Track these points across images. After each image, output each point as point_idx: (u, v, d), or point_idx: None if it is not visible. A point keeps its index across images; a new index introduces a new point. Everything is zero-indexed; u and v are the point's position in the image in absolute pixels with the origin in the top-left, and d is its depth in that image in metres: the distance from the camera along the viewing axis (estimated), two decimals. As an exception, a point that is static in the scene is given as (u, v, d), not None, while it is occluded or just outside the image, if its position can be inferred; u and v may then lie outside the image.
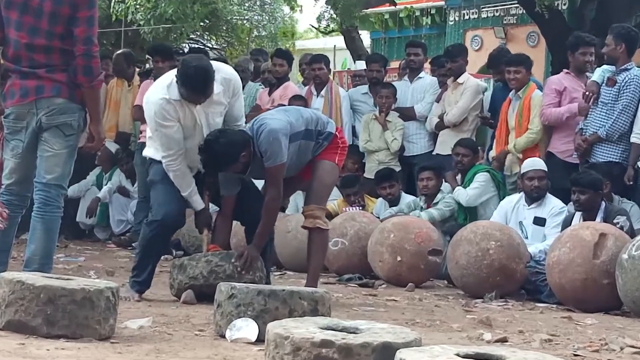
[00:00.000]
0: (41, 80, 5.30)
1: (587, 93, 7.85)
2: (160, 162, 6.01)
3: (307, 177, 6.25)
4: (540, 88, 8.70)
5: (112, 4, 14.59)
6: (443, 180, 8.66)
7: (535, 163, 7.81)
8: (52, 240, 5.39)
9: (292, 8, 17.27)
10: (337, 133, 6.19)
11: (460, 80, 9.28)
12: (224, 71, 6.01)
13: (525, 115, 8.42)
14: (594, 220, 7.05)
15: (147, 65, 11.77)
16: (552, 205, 7.62)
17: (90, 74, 5.29)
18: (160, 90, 5.91)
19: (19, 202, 5.52)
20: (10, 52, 5.37)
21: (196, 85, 5.73)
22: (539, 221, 7.59)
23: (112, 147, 10.81)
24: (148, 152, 6.23)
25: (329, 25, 17.68)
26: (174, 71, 5.90)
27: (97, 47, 5.31)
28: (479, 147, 9.49)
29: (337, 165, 6.21)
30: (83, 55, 5.24)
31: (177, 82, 5.78)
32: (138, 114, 10.17)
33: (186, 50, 12.55)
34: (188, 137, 5.93)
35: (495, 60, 9.49)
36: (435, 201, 8.47)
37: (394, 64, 14.46)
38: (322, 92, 9.91)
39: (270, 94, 10.14)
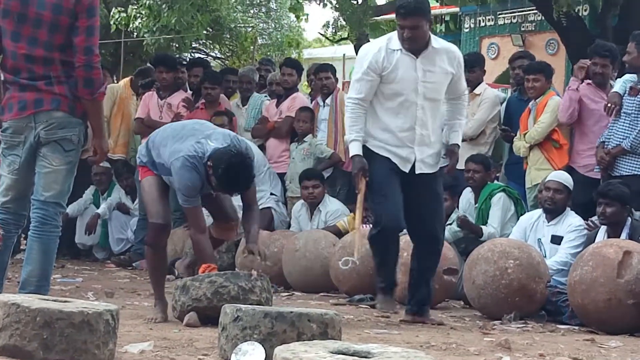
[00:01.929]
0: (40, 93, 5.29)
1: (609, 105, 7.84)
2: (379, 161, 6.38)
3: None
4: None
5: (113, 13, 14.66)
6: (458, 199, 8.64)
7: (559, 176, 7.82)
8: (49, 261, 5.38)
9: (297, 17, 17.30)
10: None
11: (477, 90, 9.28)
12: (445, 45, 6.51)
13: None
14: (619, 236, 7.04)
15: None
16: (570, 223, 7.60)
17: (91, 86, 5.29)
18: (382, 40, 6.46)
19: (15, 221, 5.50)
20: (9, 64, 5.36)
21: None
22: (556, 240, 7.58)
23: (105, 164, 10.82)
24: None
25: (335, 33, 17.71)
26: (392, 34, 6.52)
27: (99, 58, 5.31)
28: (498, 161, 9.49)
29: None
30: (83, 67, 5.25)
31: None
32: (139, 127, 10.22)
33: (188, 60, 12.58)
34: (404, 91, 6.34)
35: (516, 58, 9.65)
36: (449, 222, 8.43)
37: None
38: (328, 101, 9.93)
39: (277, 105, 10.16)
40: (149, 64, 12.15)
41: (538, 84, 8.57)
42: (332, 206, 9.30)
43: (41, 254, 5.31)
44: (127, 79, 11.48)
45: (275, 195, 9.81)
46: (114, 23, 14.81)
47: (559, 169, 8.22)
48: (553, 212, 7.65)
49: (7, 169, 5.44)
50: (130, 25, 14.87)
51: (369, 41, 18.10)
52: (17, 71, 5.35)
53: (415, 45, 6.26)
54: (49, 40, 5.27)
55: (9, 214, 5.47)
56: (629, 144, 7.67)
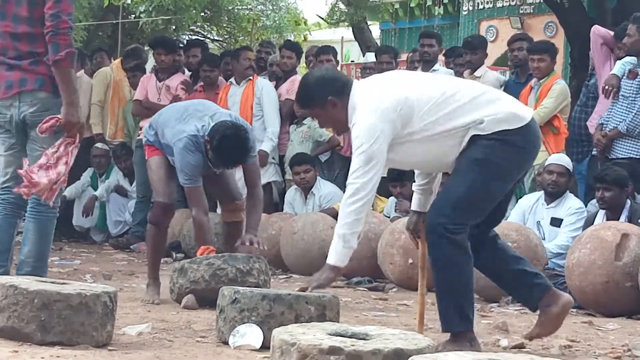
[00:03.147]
0: (25, 73, 5.33)
1: (606, 87, 7.84)
2: None
3: None
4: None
5: None
6: None
7: (560, 158, 7.83)
8: (46, 241, 5.39)
9: (299, -5, 17.23)
10: None
11: (477, 73, 9.27)
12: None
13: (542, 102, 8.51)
14: (618, 219, 7.05)
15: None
16: (569, 205, 7.62)
17: (55, 50, 5.23)
18: None
19: (17, 200, 5.47)
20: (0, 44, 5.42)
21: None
22: (556, 222, 7.59)
23: (104, 146, 10.87)
24: None
25: (338, 20, 17.63)
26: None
27: (67, 24, 5.23)
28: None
29: None
30: (50, 33, 5.21)
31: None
32: (138, 109, 10.20)
33: (185, 42, 12.55)
34: None
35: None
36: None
37: (405, 56, 14.44)
38: (328, 84, 9.90)
39: (277, 87, 10.15)
40: (137, 45, 12.14)
41: (543, 64, 8.55)
42: (325, 189, 9.31)
43: (37, 235, 5.33)
44: (118, 60, 11.45)
45: (274, 160, 9.83)
46: None
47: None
48: (556, 195, 7.66)
49: (2, 147, 5.50)
50: (123, 1, 14.81)
51: (367, 24, 18.16)
52: (5, 51, 5.40)
53: (340, 133, 5.54)
54: (29, 15, 5.30)
55: (10, 192, 5.46)
56: (625, 127, 7.67)
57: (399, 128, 4.48)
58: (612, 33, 8.49)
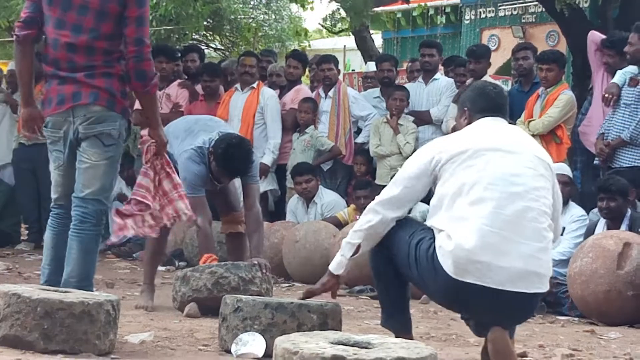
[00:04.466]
0: (79, 86, 5.10)
1: (606, 95, 7.84)
2: None
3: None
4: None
5: None
6: None
7: (561, 168, 7.83)
8: (90, 260, 5.15)
9: (302, 5, 17.25)
10: None
11: (480, 82, 9.26)
12: None
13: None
14: (619, 228, 7.05)
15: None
16: (572, 213, 7.62)
17: (144, 78, 5.09)
18: None
19: (70, 216, 5.24)
20: (51, 54, 5.16)
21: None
22: (558, 230, 7.59)
23: None
24: None
25: (335, 25, 17.65)
26: None
27: (149, 48, 5.11)
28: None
29: None
30: (134, 58, 5.06)
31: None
32: (138, 118, 10.20)
33: (183, 47, 12.53)
34: None
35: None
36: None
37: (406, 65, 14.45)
38: (330, 93, 9.92)
39: (280, 96, 10.13)
40: None
41: (551, 74, 8.52)
42: (327, 198, 9.32)
43: (80, 253, 5.10)
44: None
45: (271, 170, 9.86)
46: None
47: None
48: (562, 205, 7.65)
49: (53, 165, 5.28)
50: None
51: (369, 33, 18.19)
52: (57, 62, 5.14)
53: None
54: (95, 27, 5.07)
55: (62, 208, 5.28)
56: (629, 135, 7.67)
57: (430, 175, 4.47)
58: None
